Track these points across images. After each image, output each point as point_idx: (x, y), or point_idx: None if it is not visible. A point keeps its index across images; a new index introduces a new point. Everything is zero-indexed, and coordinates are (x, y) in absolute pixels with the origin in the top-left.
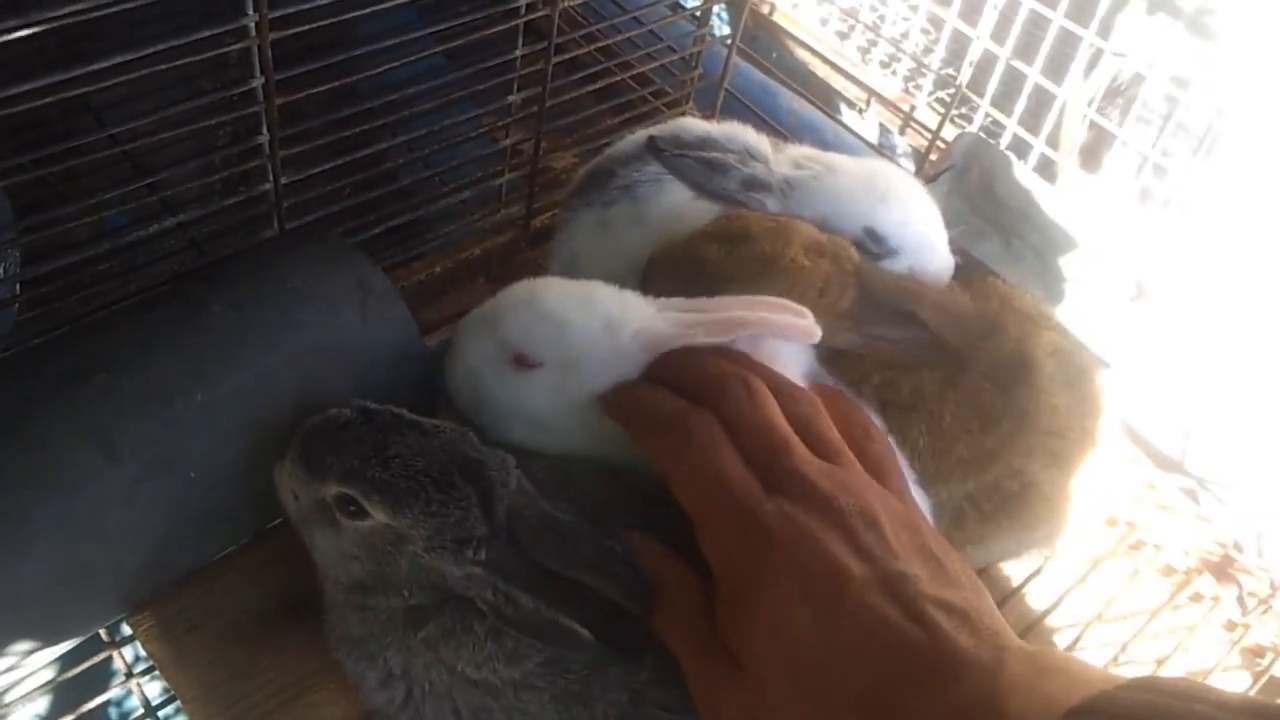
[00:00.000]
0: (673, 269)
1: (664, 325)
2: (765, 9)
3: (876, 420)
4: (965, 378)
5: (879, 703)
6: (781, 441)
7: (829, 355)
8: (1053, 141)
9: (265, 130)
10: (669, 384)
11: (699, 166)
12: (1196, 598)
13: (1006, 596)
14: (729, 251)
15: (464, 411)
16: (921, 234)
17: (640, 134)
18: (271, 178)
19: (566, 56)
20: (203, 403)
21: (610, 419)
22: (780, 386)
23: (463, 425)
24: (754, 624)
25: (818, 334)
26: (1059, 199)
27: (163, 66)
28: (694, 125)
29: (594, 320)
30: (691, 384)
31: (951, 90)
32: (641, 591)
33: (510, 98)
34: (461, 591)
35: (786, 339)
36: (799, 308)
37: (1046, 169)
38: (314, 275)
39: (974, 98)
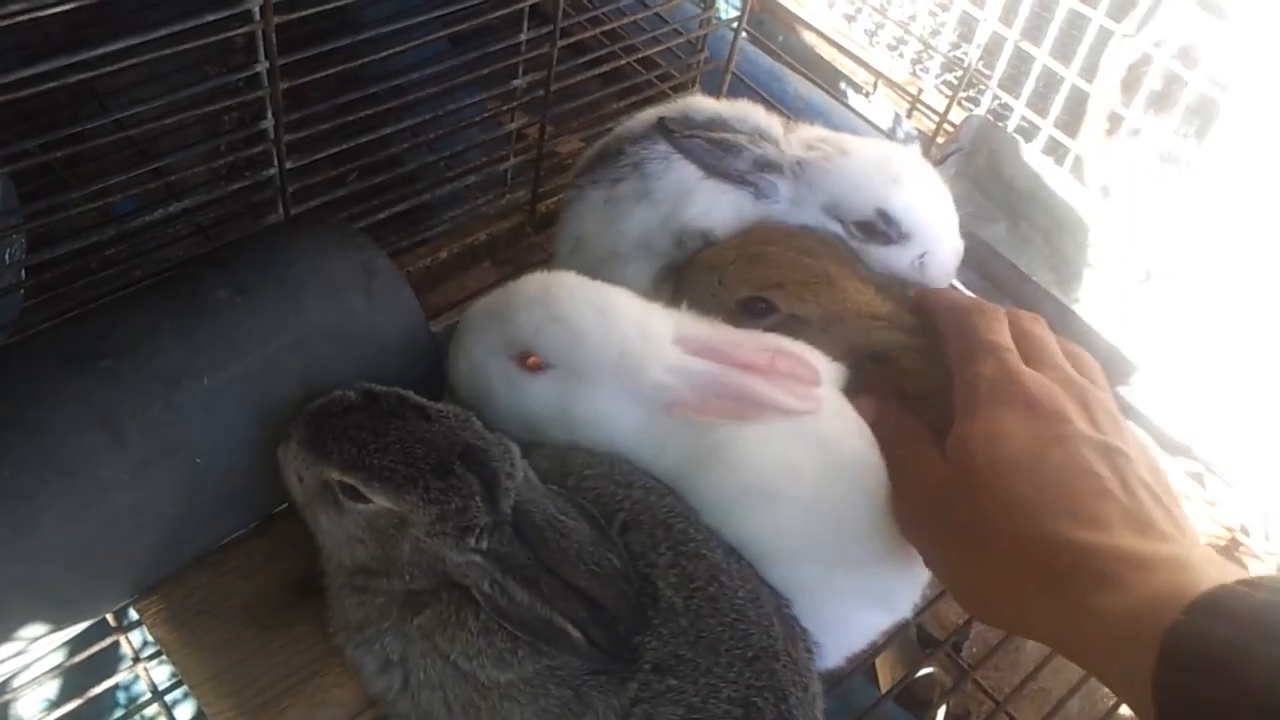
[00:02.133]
0: (726, 265)
1: (684, 384)
2: None
3: None
4: None
5: (1049, 522)
6: (1051, 348)
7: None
8: (1060, 124)
9: (270, 115)
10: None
11: (709, 147)
12: None
13: None
14: (798, 260)
15: (465, 404)
16: (933, 218)
17: (649, 113)
18: (276, 163)
19: (572, 40)
20: (209, 387)
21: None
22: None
23: (466, 411)
24: (973, 429)
25: (814, 385)
26: (1067, 181)
27: (168, 52)
28: (704, 105)
29: (610, 343)
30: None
31: (959, 73)
32: (634, 605)
33: (515, 82)
34: (459, 579)
35: (786, 410)
36: (812, 370)
37: (1055, 151)
38: (320, 261)
39: (982, 80)
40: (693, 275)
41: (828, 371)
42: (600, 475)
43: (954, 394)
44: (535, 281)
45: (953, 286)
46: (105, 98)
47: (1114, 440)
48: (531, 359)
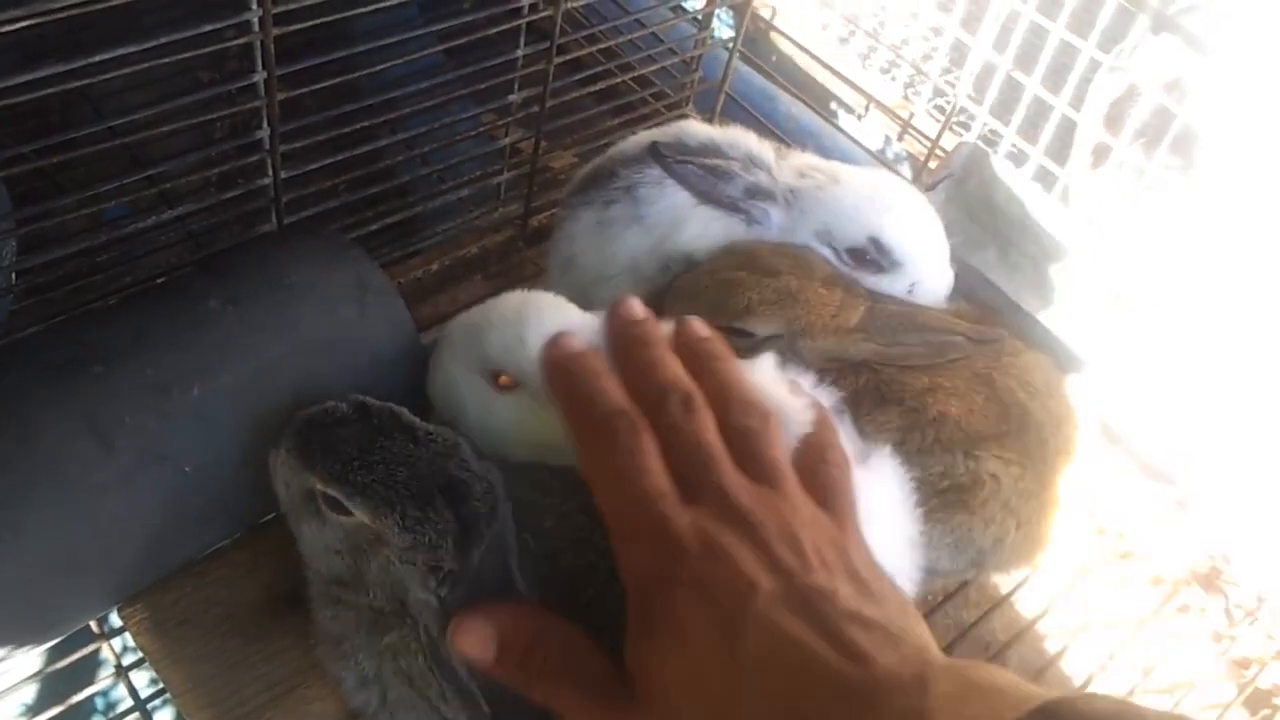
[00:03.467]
0: (699, 295)
1: None
2: (766, 13)
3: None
4: (1000, 378)
5: None
6: (708, 456)
7: (846, 367)
8: (1051, 152)
9: (266, 125)
10: (620, 366)
11: (702, 174)
12: (1184, 608)
13: (996, 604)
14: (759, 282)
15: (440, 417)
16: (925, 247)
17: (643, 135)
18: (271, 173)
19: (568, 57)
20: (199, 396)
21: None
22: (734, 395)
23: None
24: (653, 648)
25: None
26: (1057, 209)
27: (165, 60)
28: (697, 130)
29: None
30: (638, 382)
31: (950, 98)
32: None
33: (511, 97)
34: (414, 611)
35: None
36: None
37: (1044, 179)
38: (313, 271)
39: (973, 107)
40: (673, 304)
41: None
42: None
43: (617, 559)
44: (511, 301)
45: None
46: (97, 102)
47: (802, 577)
48: (502, 377)
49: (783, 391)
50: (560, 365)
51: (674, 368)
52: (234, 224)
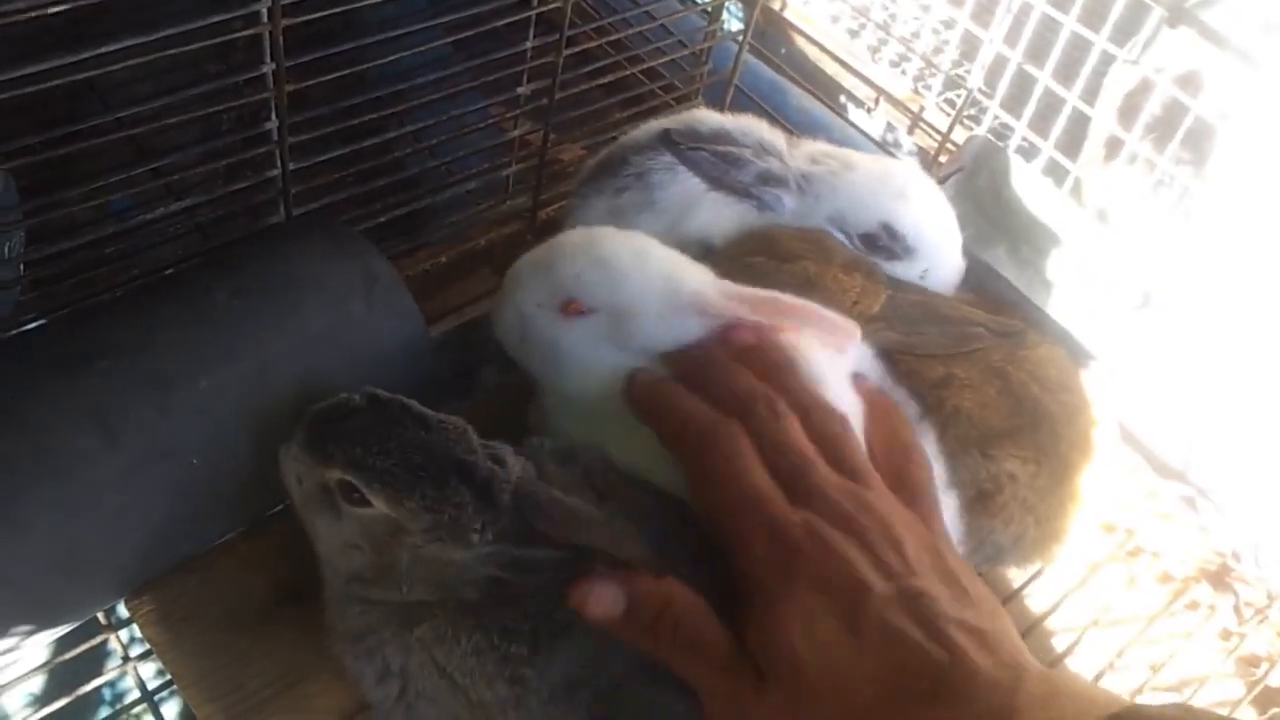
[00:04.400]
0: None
1: (716, 293)
2: (776, 5)
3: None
4: (1014, 372)
5: (898, 712)
6: (803, 460)
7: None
8: (1062, 146)
9: (275, 116)
10: (698, 390)
11: (714, 160)
12: (1193, 605)
13: (1006, 599)
14: (778, 268)
15: (511, 355)
16: (938, 234)
17: (654, 124)
18: (279, 164)
19: (577, 49)
20: (205, 390)
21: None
22: (810, 402)
23: (465, 421)
24: (783, 632)
25: (853, 341)
26: (1069, 205)
27: (172, 51)
28: (709, 118)
29: (650, 273)
30: (720, 397)
31: (961, 91)
32: (650, 556)
33: (519, 89)
34: (476, 575)
35: (823, 340)
36: (845, 321)
37: (1054, 173)
38: (321, 264)
39: (984, 100)
40: None
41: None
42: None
43: (735, 561)
44: (577, 233)
45: None
46: (104, 93)
47: (907, 580)
48: (573, 304)
49: (847, 389)
50: (648, 393)
51: (749, 377)
52: (242, 216)
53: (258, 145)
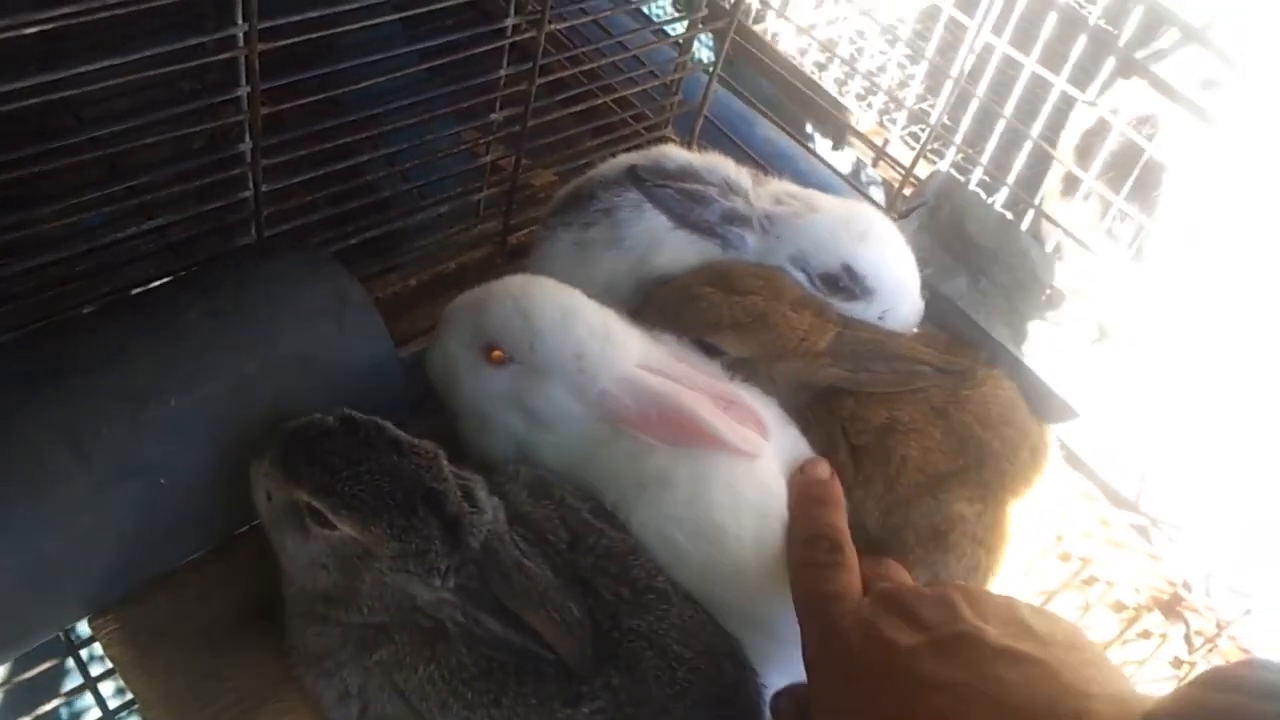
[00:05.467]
0: (671, 309)
1: (629, 397)
2: (746, 38)
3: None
4: (956, 412)
5: None
6: (889, 571)
7: (813, 396)
8: (1022, 181)
9: (248, 138)
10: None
11: (680, 198)
12: (1145, 634)
13: None
14: (726, 300)
15: (438, 392)
16: (897, 276)
17: (622, 159)
18: (252, 186)
19: (550, 78)
20: (176, 408)
21: None
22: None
23: (436, 441)
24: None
25: (757, 456)
26: (1028, 240)
27: (150, 72)
28: (676, 155)
29: (568, 342)
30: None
31: (925, 126)
32: (584, 657)
33: (492, 115)
34: (432, 613)
35: (726, 445)
36: (761, 424)
37: (1015, 208)
38: (293, 286)
39: (947, 135)
40: (648, 316)
41: (780, 432)
42: (592, 508)
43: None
44: (514, 280)
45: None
46: (78, 109)
47: (947, 628)
48: (496, 352)
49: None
50: (806, 486)
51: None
52: (214, 235)
53: (231, 166)
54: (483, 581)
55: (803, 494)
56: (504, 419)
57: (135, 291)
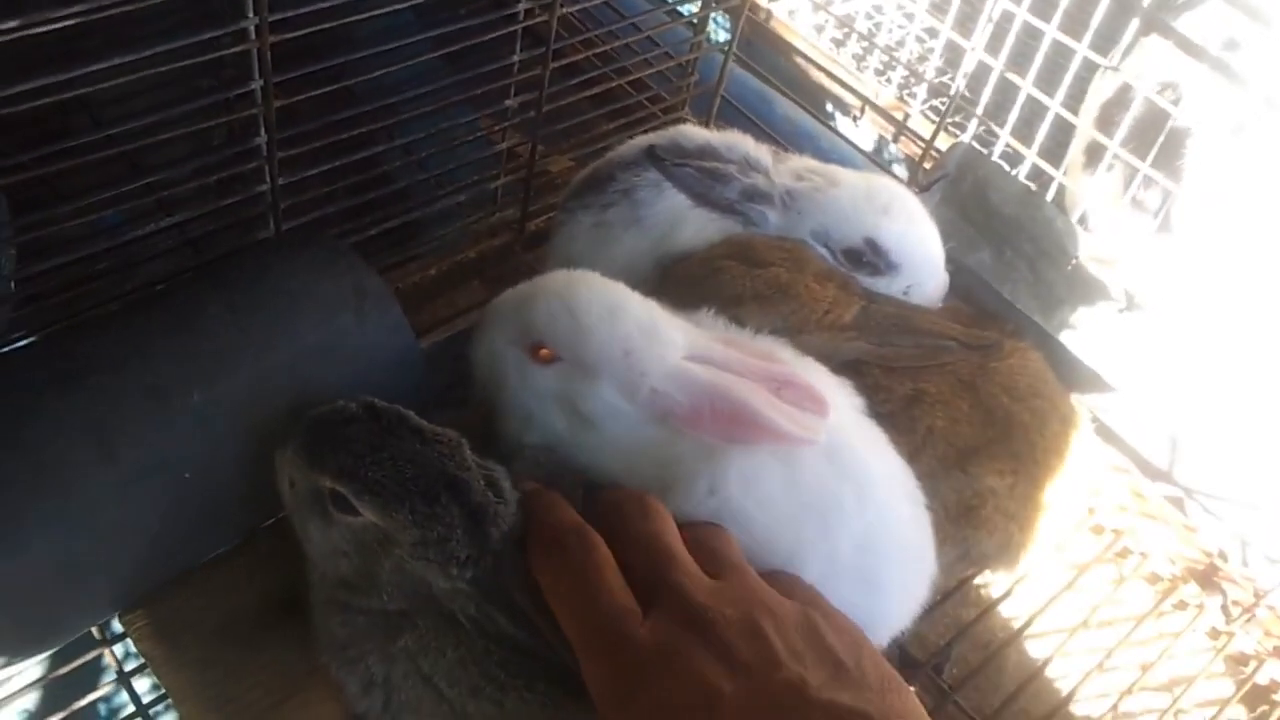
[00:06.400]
0: (692, 284)
1: (680, 393)
2: (762, 16)
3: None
4: (984, 384)
5: None
6: (666, 554)
7: (837, 369)
8: (1045, 152)
9: (263, 132)
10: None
11: (699, 176)
12: (1181, 605)
13: (994, 603)
14: (748, 272)
15: (481, 391)
16: (921, 249)
17: (640, 140)
18: (269, 179)
19: (564, 62)
20: (199, 404)
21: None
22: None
23: (459, 431)
24: None
25: (817, 440)
26: (1052, 210)
27: (163, 68)
28: (694, 134)
29: (616, 339)
30: (597, 509)
31: (945, 99)
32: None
33: (508, 102)
34: (446, 602)
35: (782, 436)
36: (821, 402)
37: (1038, 179)
38: (312, 278)
39: (968, 107)
40: (670, 295)
41: (846, 399)
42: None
43: (585, 680)
44: (559, 276)
45: None
46: (96, 110)
47: (768, 674)
48: (543, 351)
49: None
50: (528, 501)
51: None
52: (232, 230)
53: (247, 161)
54: (498, 576)
55: (529, 503)
56: (549, 418)
57: (155, 289)
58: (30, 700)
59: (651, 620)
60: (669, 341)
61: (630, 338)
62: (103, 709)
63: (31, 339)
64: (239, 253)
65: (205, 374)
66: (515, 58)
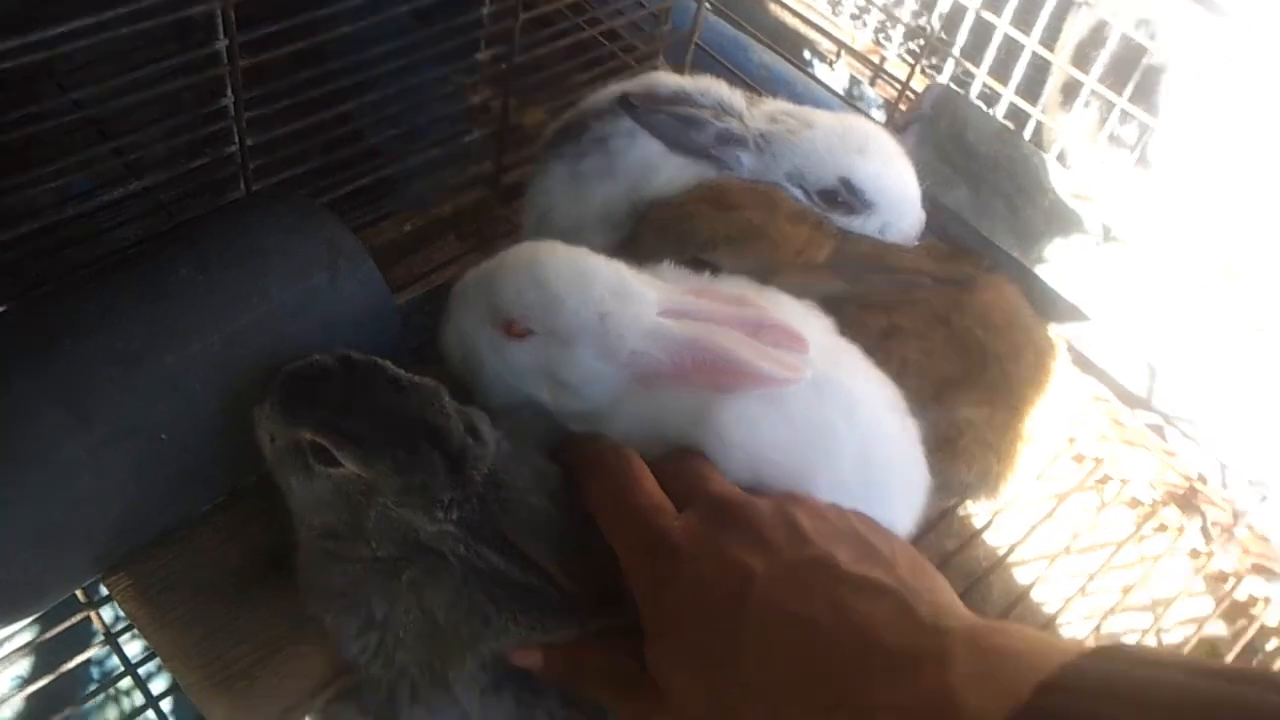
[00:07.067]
0: (665, 230)
1: (660, 351)
2: None
3: None
4: (958, 318)
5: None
6: (701, 471)
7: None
8: (1021, 90)
9: (230, 93)
10: None
11: (673, 122)
12: (1162, 528)
13: (976, 533)
14: (720, 215)
15: (456, 375)
16: (897, 188)
17: (614, 88)
18: (237, 140)
19: (535, 13)
20: (172, 365)
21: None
22: None
23: (437, 380)
24: (667, 651)
25: (800, 379)
26: (1029, 148)
27: (125, 31)
28: (667, 80)
29: (588, 305)
30: None
31: (921, 41)
32: (585, 592)
33: (478, 55)
34: (434, 545)
35: (768, 379)
36: (800, 340)
37: (1015, 118)
38: (283, 237)
39: (944, 48)
40: (642, 243)
41: (819, 326)
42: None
43: (629, 583)
44: (523, 249)
45: None
46: (61, 76)
47: (798, 551)
48: (514, 326)
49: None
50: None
51: None
52: (204, 193)
53: (215, 122)
54: (485, 515)
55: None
56: (531, 393)
57: (126, 253)
58: (23, 667)
59: (685, 515)
60: (642, 300)
61: (603, 301)
62: (95, 672)
63: (2, 307)
64: (210, 214)
65: (178, 336)
66: (485, 9)
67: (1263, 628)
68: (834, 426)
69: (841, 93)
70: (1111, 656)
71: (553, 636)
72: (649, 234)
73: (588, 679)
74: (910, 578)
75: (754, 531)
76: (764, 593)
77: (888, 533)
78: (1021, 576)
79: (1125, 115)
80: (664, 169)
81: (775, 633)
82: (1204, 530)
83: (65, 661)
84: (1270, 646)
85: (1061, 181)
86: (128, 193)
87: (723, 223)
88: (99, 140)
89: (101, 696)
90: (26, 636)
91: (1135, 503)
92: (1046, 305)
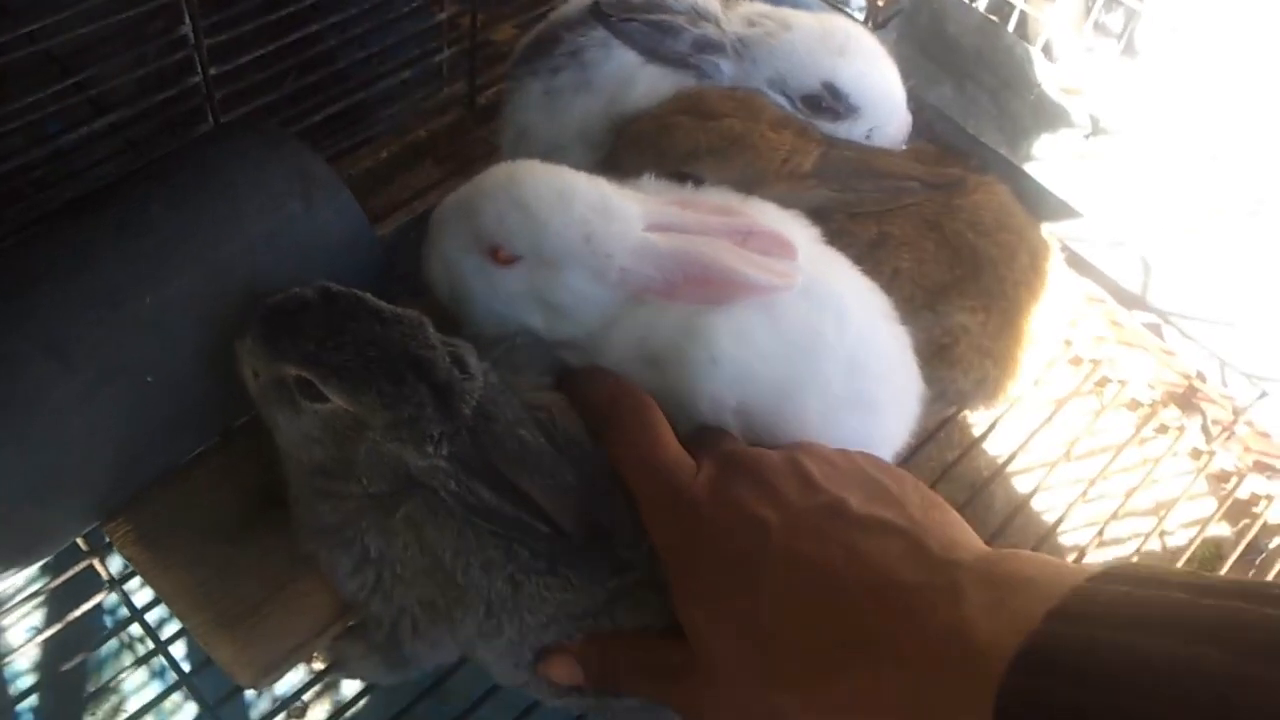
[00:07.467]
0: (644, 144)
1: (649, 266)
2: None
3: None
4: (949, 222)
5: (834, 662)
6: (714, 430)
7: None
8: None
9: (187, 20)
10: None
11: (648, 30)
12: (1162, 429)
13: (975, 442)
14: (701, 125)
15: (443, 303)
16: (881, 90)
17: None
18: (200, 69)
19: None
20: (152, 304)
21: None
22: None
23: (420, 312)
24: (692, 603)
25: (792, 286)
26: (1013, 40)
27: None
28: None
29: (573, 225)
30: None
31: None
32: (579, 524)
33: None
34: (425, 480)
35: (759, 288)
36: (788, 245)
37: (1000, 10)
38: (254, 168)
39: None
40: (623, 157)
41: (806, 236)
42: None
43: (650, 535)
44: (499, 172)
45: None
46: (17, 14)
47: (810, 499)
48: (500, 252)
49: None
50: (569, 379)
51: None
52: (172, 128)
53: (176, 50)
54: (476, 448)
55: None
56: (523, 319)
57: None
58: (35, 618)
59: (703, 470)
60: (627, 216)
61: (587, 220)
62: (107, 620)
63: None
64: (178, 149)
65: (155, 274)
66: None
67: (1265, 525)
68: (824, 335)
69: None
70: (1118, 578)
71: (570, 595)
72: (628, 148)
73: (626, 675)
74: (920, 515)
75: (766, 483)
76: (780, 542)
77: (898, 472)
78: (1023, 484)
79: (1111, 1)
80: (641, 80)
81: (793, 578)
82: (1204, 429)
83: (69, 610)
84: (1273, 544)
85: (1047, 74)
86: (94, 130)
87: (704, 133)
88: (62, 78)
89: (115, 643)
90: (34, 588)
91: (1135, 404)
92: (1037, 203)
